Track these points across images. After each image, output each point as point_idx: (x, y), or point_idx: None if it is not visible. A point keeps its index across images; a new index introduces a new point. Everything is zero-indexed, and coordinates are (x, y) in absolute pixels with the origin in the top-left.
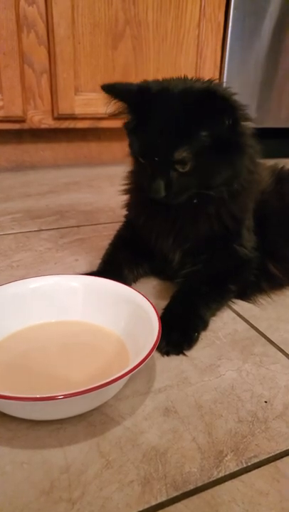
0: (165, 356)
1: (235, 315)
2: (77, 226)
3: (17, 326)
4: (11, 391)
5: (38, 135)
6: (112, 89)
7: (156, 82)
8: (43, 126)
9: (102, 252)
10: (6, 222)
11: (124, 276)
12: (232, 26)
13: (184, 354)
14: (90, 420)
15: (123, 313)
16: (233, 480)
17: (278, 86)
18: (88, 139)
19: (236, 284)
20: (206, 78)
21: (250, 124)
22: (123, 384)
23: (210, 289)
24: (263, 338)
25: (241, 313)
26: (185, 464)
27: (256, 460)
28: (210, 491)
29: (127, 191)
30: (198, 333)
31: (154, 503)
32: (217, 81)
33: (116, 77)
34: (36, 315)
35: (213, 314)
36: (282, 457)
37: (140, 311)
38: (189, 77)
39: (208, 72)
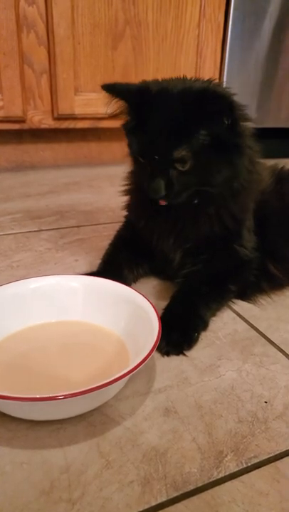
0: (165, 356)
1: (235, 315)
2: (77, 226)
3: (17, 326)
4: (11, 391)
5: (38, 135)
6: (112, 89)
7: (156, 82)
8: (43, 126)
9: (102, 252)
10: (5, 222)
11: (124, 277)
12: (232, 26)
13: (184, 354)
14: (90, 420)
15: (123, 314)
16: (233, 480)
17: (278, 86)
18: (88, 139)
19: (236, 284)
20: (206, 78)
21: (249, 124)
22: (123, 384)
23: (210, 289)
24: (263, 339)
25: (241, 313)
26: (185, 465)
27: (256, 460)
28: (210, 491)
29: (127, 192)
30: (198, 334)
31: (154, 503)
32: (217, 81)
33: (116, 78)
34: (36, 315)
35: (213, 314)
36: (282, 457)
37: (140, 311)
38: (189, 77)
39: (208, 72)
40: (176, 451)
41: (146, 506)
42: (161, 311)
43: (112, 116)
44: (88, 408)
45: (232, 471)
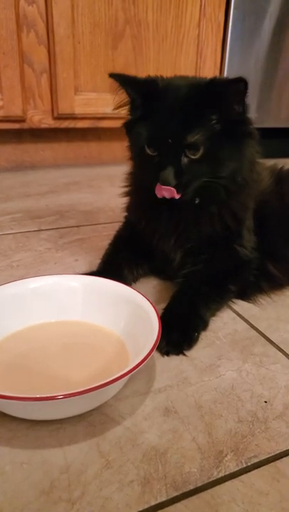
0: (165, 356)
1: (235, 315)
2: (77, 226)
3: (17, 326)
4: (11, 391)
5: (37, 135)
6: (121, 77)
7: (161, 77)
8: (42, 126)
9: (101, 252)
10: (5, 222)
11: (124, 277)
12: (232, 26)
13: (184, 354)
14: (90, 420)
15: (123, 313)
16: (233, 480)
17: (278, 86)
18: (88, 139)
19: (236, 284)
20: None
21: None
22: (123, 384)
23: (210, 289)
24: (263, 338)
25: (241, 313)
26: (185, 464)
27: (256, 460)
28: (210, 491)
29: (127, 194)
30: (198, 333)
31: (153, 503)
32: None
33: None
34: (36, 315)
35: (213, 314)
36: (282, 457)
37: (140, 311)
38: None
39: (208, 72)
40: (176, 451)
41: (146, 506)
42: (161, 311)
43: (118, 107)
44: (88, 408)
45: (232, 471)
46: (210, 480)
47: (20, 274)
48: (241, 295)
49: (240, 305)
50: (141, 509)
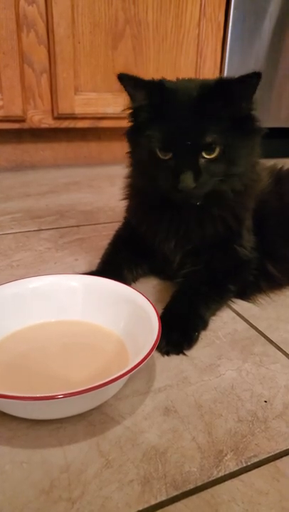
0: (165, 356)
1: (235, 314)
2: (77, 226)
3: (17, 326)
4: (11, 391)
5: (37, 135)
6: (130, 78)
7: (166, 80)
8: (42, 125)
9: (101, 252)
10: (5, 222)
11: (124, 276)
12: (232, 26)
13: (184, 354)
14: (90, 420)
15: (123, 313)
16: (232, 479)
17: (278, 86)
18: (88, 139)
19: (236, 284)
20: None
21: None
22: (123, 383)
23: (209, 288)
24: (263, 338)
25: (241, 312)
26: (185, 464)
27: (256, 459)
28: (210, 490)
29: (127, 197)
30: (198, 333)
31: (153, 502)
32: None
33: (116, 77)
34: (36, 315)
35: (213, 314)
36: (281, 457)
37: (140, 311)
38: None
39: (208, 72)
40: (176, 451)
41: (146, 505)
42: (161, 311)
43: (127, 109)
44: (88, 407)
45: (232, 470)
46: (210, 479)
47: (20, 274)
48: (241, 295)
49: (240, 305)
50: (141, 508)
